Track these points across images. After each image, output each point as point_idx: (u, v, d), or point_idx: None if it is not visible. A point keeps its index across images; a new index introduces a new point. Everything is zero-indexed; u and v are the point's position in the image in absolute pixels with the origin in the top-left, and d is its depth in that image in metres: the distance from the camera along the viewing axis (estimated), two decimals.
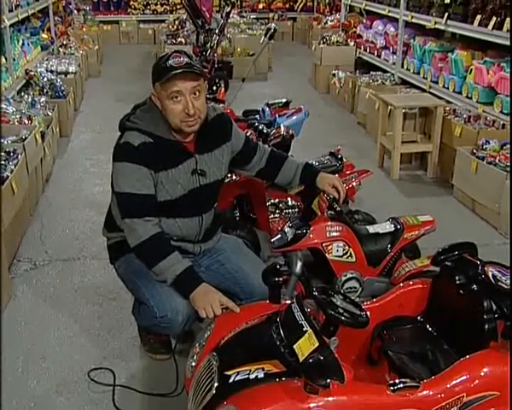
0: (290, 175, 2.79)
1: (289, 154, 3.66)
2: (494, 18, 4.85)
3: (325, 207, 2.90)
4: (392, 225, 2.95)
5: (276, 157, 2.80)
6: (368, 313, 1.84)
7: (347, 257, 2.81)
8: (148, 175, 2.35)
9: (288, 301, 2.04)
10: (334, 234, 2.79)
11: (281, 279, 2.12)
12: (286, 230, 2.80)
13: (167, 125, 2.39)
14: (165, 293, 2.36)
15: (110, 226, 2.61)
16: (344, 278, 2.81)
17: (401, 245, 2.92)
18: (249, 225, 3.46)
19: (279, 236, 2.82)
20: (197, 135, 2.45)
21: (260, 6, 13.44)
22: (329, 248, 2.78)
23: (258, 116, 4.22)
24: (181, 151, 2.43)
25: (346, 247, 2.80)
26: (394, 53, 7.25)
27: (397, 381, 1.75)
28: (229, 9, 6.56)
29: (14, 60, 6.12)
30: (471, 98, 5.30)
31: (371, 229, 2.95)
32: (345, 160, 3.62)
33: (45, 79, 6.25)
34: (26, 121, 4.79)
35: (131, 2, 12.74)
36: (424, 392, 1.74)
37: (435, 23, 5.92)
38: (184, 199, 2.45)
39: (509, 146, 4.30)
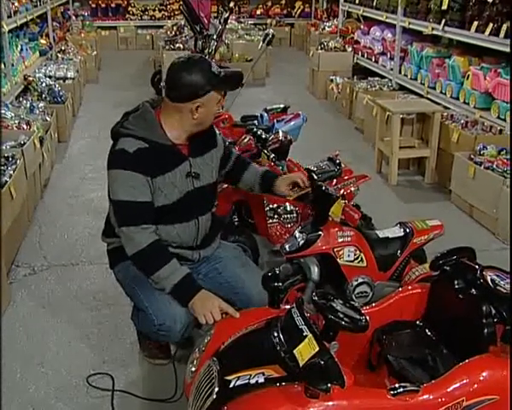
0: (251, 180, 2.82)
1: (287, 159, 3.68)
2: (491, 24, 4.88)
3: (357, 217, 2.83)
4: (402, 230, 2.95)
5: (242, 160, 2.84)
6: (367, 317, 1.84)
7: (358, 262, 2.81)
8: (145, 182, 2.34)
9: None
10: (345, 239, 2.79)
11: (280, 284, 2.12)
12: (297, 235, 2.79)
13: (162, 130, 2.40)
14: (164, 301, 2.35)
15: (109, 232, 2.60)
16: (355, 283, 2.81)
17: (410, 250, 2.92)
18: (248, 231, 3.47)
19: (290, 241, 2.81)
20: (190, 139, 2.48)
21: (258, 12, 13.51)
22: (341, 253, 2.78)
23: (256, 122, 4.22)
24: (176, 154, 2.45)
25: (357, 251, 2.80)
26: (392, 59, 7.28)
27: (397, 385, 1.76)
28: (227, 15, 6.55)
29: (12, 65, 6.13)
30: (468, 104, 5.33)
31: (381, 234, 2.95)
32: (343, 165, 3.63)
33: (44, 85, 6.27)
34: (25, 127, 4.80)
35: (129, 8, 12.80)
36: (424, 396, 1.75)
37: (432, 29, 5.95)
38: (181, 202, 2.45)
39: (506, 151, 4.32)
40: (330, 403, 1.66)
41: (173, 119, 2.40)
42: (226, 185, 3.39)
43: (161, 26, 11.30)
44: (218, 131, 2.71)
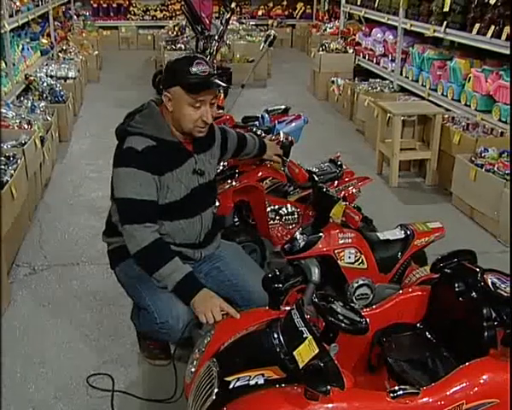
0: (250, 150, 3.12)
1: (288, 160, 3.67)
2: (493, 27, 4.88)
3: (358, 219, 2.80)
4: (403, 232, 2.94)
5: (242, 138, 3.04)
6: (367, 319, 1.84)
7: (359, 264, 2.80)
8: (151, 181, 2.36)
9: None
10: (346, 241, 2.78)
11: (281, 286, 2.11)
12: (297, 237, 2.79)
13: (169, 128, 2.42)
14: (166, 299, 2.36)
15: (110, 232, 2.61)
16: (356, 285, 2.80)
17: (411, 252, 2.92)
18: (254, 231, 3.46)
19: (291, 243, 2.81)
20: (192, 136, 2.49)
21: (259, 13, 13.51)
22: (341, 254, 2.77)
23: (257, 123, 4.22)
24: (182, 151, 2.48)
25: (358, 253, 2.80)
26: (393, 60, 7.28)
27: (396, 388, 1.75)
28: (228, 16, 6.57)
29: (13, 65, 6.12)
30: (469, 106, 5.33)
31: (382, 236, 2.94)
32: (344, 167, 3.63)
33: (45, 84, 6.27)
34: (26, 126, 4.80)
35: (131, 8, 12.81)
36: (424, 399, 1.74)
37: (434, 31, 5.95)
38: (187, 199, 2.48)
39: (507, 154, 4.32)
40: (330, 405, 1.66)
41: (166, 114, 2.43)
42: (228, 186, 3.40)
43: (163, 27, 11.34)
44: (215, 126, 2.73)
